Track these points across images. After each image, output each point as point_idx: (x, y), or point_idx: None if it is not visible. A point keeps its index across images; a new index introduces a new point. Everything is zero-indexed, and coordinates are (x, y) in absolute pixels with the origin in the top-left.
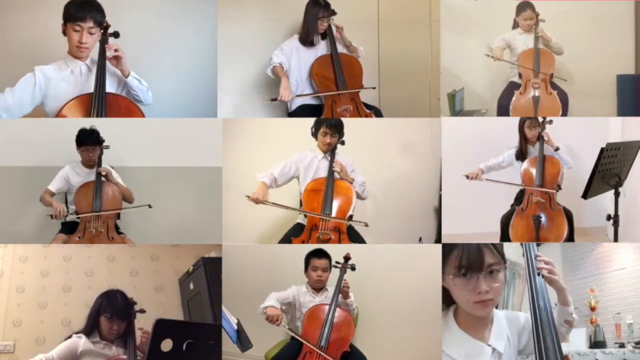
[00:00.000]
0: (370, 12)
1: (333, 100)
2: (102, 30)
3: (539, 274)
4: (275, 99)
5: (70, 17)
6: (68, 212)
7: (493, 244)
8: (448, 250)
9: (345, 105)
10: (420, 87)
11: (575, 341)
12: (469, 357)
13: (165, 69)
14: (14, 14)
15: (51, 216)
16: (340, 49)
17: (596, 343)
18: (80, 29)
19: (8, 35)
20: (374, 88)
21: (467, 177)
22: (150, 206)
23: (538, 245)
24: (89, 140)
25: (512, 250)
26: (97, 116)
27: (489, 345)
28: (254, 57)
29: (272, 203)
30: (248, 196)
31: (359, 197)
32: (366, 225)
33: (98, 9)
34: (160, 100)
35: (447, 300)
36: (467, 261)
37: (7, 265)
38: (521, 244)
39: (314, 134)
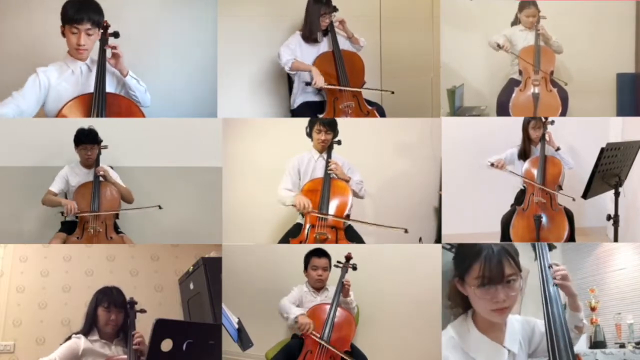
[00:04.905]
0: (372, 7)
1: (335, 97)
2: (101, 30)
3: (554, 285)
4: (309, 83)
5: (68, 19)
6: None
7: (510, 254)
8: (470, 258)
9: (347, 102)
10: (423, 82)
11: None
12: (489, 359)
13: (165, 68)
14: (12, 14)
15: (62, 213)
16: (343, 42)
17: (596, 343)
18: (77, 32)
19: (7, 35)
20: (393, 92)
21: (492, 164)
22: (160, 207)
23: (550, 249)
24: (86, 139)
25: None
26: (97, 116)
27: (504, 347)
28: (255, 54)
29: (319, 212)
30: (294, 205)
31: (356, 195)
32: (406, 231)
33: (96, 10)
34: (161, 100)
35: (464, 304)
36: (489, 273)
37: (7, 265)
38: (533, 247)
39: (309, 134)
